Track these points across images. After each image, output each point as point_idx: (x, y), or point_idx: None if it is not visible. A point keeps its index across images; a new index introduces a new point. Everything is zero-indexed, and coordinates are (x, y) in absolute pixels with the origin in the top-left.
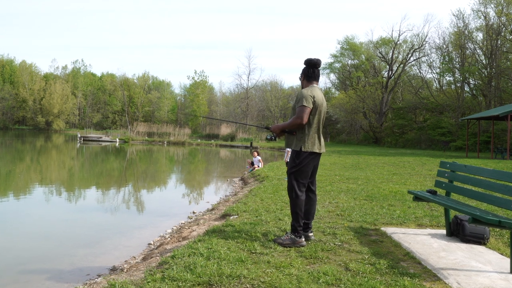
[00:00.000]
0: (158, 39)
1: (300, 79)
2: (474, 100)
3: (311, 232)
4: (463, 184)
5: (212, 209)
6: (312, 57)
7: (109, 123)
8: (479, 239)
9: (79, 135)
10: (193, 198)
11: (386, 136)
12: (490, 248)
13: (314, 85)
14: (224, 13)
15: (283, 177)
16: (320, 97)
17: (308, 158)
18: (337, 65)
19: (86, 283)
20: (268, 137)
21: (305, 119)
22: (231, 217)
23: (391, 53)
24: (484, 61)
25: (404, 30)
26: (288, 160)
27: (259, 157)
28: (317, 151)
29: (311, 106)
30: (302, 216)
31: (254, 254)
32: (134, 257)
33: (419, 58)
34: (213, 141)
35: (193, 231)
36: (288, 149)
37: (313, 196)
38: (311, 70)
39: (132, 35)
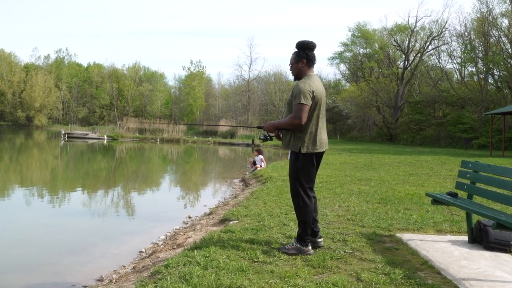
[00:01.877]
0: (150, 26)
1: (292, 67)
2: (499, 93)
3: (320, 237)
4: (487, 185)
5: (210, 214)
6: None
7: (96, 118)
8: (505, 247)
9: (63, 132)
10: (188, 201)
11: (401, 133)
12: None
13: (312, 73)
14: None
15: (287, 178)
16: (320, 89)
17: (309, 159)
18: (347, 54)
19: None
20: (262, 137)
21: (304, 119)
22: (231, 222)
23: (407, 41)
24: (510, 50)
25: (422, 16)
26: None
27: (261, 156)
28: (319, 150)
29: (310, 103)
30: (310, 224)
31: (256, 263)
32: (124, 266)
33: (438, 46)
34: (211, 138)
35: (189, 237)
36: None
37: (314, 199)
38: (311, 54)
39: (121, 21)
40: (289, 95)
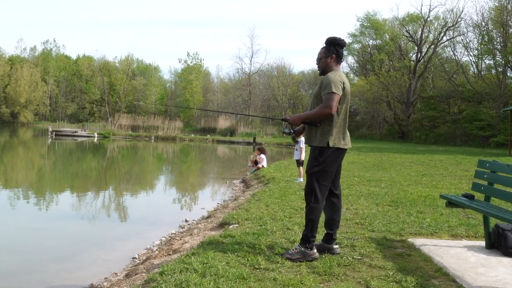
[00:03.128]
0: (144, 15)
1: (321, 61)
2: None
3: (335, 244)
4: (506, 187)
5: (208, 217)
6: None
7: (86, 115)
8: None
9: (50, 129)
10: (185, 203)
11: (414, 130)
12: None
13: (339, 69)
14: None
15: (292, 179)
16: (348, 83)
17: (333, 155)
18: (356, 46)
19: None
20: (287, 131)
21: (335, 109)
22: (231, 226)
23: (420, 32)
24: None
25: (436, 5)
26: (297, 158)
27: (263, 155)
28: (344, 146)
29: (341, 93)
30: (317, 225)
31: (257, 270)
32: (116, 273)
33: (453, 38)
34: (209, 136)
35: (186, 242)
36: (301, 145)
37: (337, 202)
38: (341, 51)
39: (113, 10)
40: (315, 89)
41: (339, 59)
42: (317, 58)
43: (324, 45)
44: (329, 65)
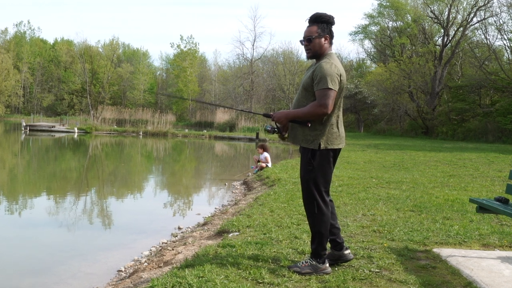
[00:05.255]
0: None
1: (312, 43)
2: None
3: (346, 249)
4: None
5: (205, 224)
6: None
7: (64, 107)
8: None
9: (24, 123)
10: (178, 209)
11: (440, 125)
12: None
13: (332, 52)
14: None
15: (300, 181)
16: (344, 73)
17: (328, 157)
18: (373, 28)
19: None
20: (269, 128)
21: (331, 108)
22: (230, 235)
23: (446, 13)
24: None
25: None
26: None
27: (266, 154)
28: (338, 146)
29: (337, 88)
30: (327, 236)
31: (261, 285)
32: None
33: (484, 19)
34: (205, 131)
35: (179, 253)
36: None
37: (330, 203)
38: (331, 29)
39: None
40: (304, 77)
41: (332, 40)
42: (305, 39)
43: (312, 23)
44: (323, 48)
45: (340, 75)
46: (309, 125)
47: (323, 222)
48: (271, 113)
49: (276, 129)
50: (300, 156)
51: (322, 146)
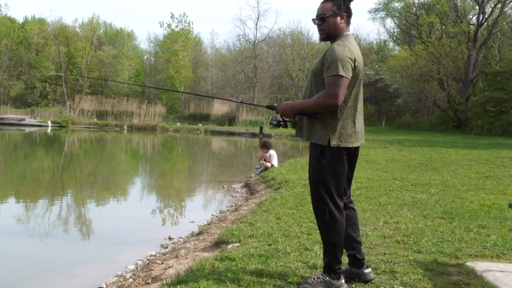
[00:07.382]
0: None
1: (327, 22)
2: None
3: (367, 267)
4: None
5: (200, 233)
6: None
7: (36, 97)
8: None
9: None
10: (169, 215)
11: (474, 118)
12: None
13: (349, 33)
14: None
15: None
16: (360, 56)
17: (341, 155)
18: (397, 4)
19: None
20: (274, 122)
21: (342, 98)
22: (230, 246)
23: None
24: None
25: None
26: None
27: (271, 151)
28: (354, 144)
29: (350, 76)
30: (342, 247)
31: None
32: None
33: None
34: (200, 125)
35: (170, 267)
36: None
37: (350, 212)
38: (349, 6)
39: None
40: (315, 61)
41: (349, 19)
42: (318, 17)
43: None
44: (338, 28)
45: (355, 60)
46: (319, 117)
47: (336, 231)
48: (276, 104)
49: (282, 123)
50: (309, 154)
51: (334, 143)
